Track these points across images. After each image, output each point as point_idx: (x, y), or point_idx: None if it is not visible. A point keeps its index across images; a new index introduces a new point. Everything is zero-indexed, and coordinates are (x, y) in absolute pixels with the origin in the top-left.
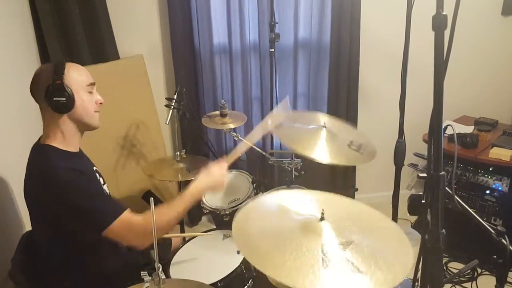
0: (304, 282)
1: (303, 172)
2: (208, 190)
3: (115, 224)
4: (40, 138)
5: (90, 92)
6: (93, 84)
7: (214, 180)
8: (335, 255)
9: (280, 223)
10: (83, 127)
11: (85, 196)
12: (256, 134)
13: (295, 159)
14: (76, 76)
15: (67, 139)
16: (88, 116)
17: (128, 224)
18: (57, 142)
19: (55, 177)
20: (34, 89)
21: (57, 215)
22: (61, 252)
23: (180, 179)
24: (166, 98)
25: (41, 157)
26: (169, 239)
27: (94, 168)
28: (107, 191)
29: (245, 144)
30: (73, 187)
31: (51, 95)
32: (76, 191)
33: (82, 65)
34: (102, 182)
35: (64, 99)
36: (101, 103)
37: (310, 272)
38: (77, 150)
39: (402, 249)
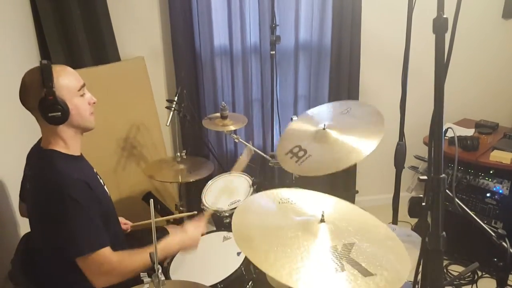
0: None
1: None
2: (181, 249)
3: (91, 256)
4: (39, 141)
5: (82, 95)
6: (83, 86)
7: (188, 240)
8: (344, 258)
9: (280, 225)
10: (82, 130)
11: (82, 214)
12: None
13: None
14: (67, 83)
15: (68, 144)
16: (83, 120)
17: (102, 261)
18: (59, 147)
19: (61, 185)
20: (24, 99)
21: (53, 222)
22: (59, 255)
23: (180, 181)
24: (166, 100)
25: (46, 163)
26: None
27: (94, 170)
28: (108, 192)
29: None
30: (75, 200)
31: (45, 111)
32: (76, 205)
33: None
34: (102, 183)
35: (59, 113)
36: (94, 103)
37: (324, 276)
38: (79, 154)
39: (396, 247)
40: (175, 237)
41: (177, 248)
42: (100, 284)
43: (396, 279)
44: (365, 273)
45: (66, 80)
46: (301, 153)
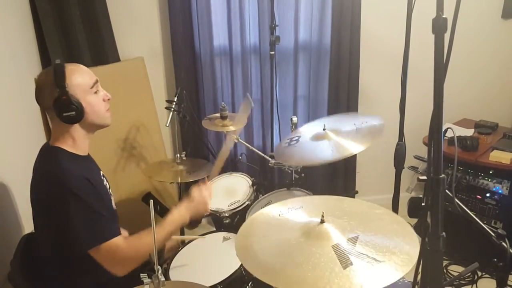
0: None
1: (303, 175)
2: (192, 215)
3: (101, 247)
4: (49, 139)
5: (96, 92)
6: (96, 82)
7: (196, 205)
8: (349, 253)
9: (283, 236)
10: (96, 128)
11: (85, 208)
12: (226, 148)
13: None
14: (80, 81)
15: (77, 143)
16: (100, 118)
17: (114, 251)
18: (67, 145)
19: (62, 180)
20: (39, 99)
21: (57, 219)
22: (61, 255)
23: (180, 181)
24: (166, 101)
25: (50, 159)
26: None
27: (101, 172)
28: (112, 199)
29: (220, 158)
30: (76, 195)
31: (60, 111)
32: (78, 200)
33: None
34: (108, 186)
35: (73, 112)
36: (109, 99)
37: (333, 276)
38: (86, 154)
39: (402, 228)
40: (181, 207)
41: (187, 216)
42: (120, 272)
43: (407, 260)
44: (374, 262)
45: (79, 78)
46: (293, 142)
